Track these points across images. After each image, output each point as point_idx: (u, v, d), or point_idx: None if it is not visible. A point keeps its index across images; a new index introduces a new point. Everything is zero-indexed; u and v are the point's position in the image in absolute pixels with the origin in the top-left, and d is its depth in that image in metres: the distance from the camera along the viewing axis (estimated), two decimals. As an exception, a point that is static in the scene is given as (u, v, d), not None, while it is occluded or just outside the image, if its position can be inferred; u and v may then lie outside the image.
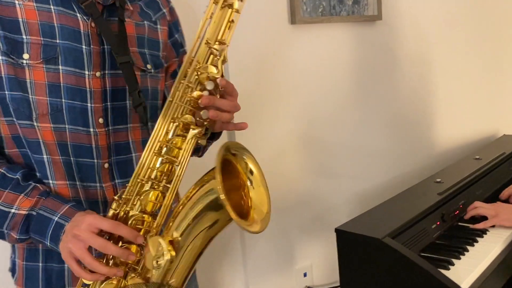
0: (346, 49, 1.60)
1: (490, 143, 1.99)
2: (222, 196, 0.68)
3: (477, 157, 1.70)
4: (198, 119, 0.76)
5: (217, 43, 0.77)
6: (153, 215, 0.77)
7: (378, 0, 1.59)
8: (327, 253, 1.59)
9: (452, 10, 1.91)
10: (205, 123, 0.76)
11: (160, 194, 0.77)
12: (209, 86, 0.75)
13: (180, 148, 0.77)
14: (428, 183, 1.46)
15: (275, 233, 1.50)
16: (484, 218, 1.32)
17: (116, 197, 0.76)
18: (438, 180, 1.45)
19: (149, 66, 0.89)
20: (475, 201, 1.38)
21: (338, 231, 1.15)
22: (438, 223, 1.29)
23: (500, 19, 2.16)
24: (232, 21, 0.78)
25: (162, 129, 0.77)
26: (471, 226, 1.31)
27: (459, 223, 1.36)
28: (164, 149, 0.77)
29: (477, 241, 1.23)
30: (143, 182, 0.76)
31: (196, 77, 0.76)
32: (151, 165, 0.76)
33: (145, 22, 0.91)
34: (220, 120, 0.78)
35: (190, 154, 0.77)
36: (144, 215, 0.76)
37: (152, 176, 0.76)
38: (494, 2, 2.10)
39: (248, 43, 1.38)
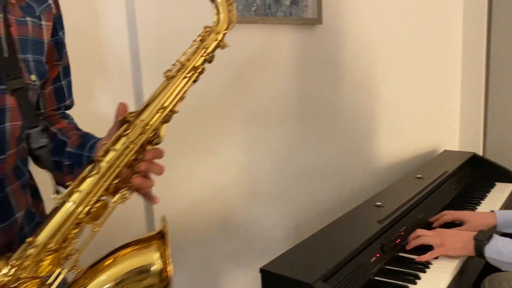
0: (282, 55, 1.43)
1: (432, 159, 1.90)
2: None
3: (419, 176, 1.59)
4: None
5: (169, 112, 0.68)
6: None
7: (318, 1, 1.43)
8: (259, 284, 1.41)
9: (398, 22, 1.80)
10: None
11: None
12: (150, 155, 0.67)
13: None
14: (368, 207, 1.32)
15: (198, 263, 1.29)
16: (426, 246, 1.20)
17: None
18: (378, 203, 1.31)
19: (33, 77, 0.69)
20: (417, 229, 1.25)
21: (263, 271, 0.97)
22: (378, 255, 1.15)
23: (445, 36, 2.10)
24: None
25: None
26: (416, 258, 1.16)
27: (400, 254, 1.23)
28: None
29: (423, 274, 1.09)
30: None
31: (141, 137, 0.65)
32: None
33: (28, 18, 0.69)
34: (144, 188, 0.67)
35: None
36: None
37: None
38: (438, 14, 2.03)
39: (173, 42, 1.17)
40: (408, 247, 1.22)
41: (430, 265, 1.14)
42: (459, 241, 1.15)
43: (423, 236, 1.21)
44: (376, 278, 1.10)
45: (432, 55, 2.04)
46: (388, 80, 1.78)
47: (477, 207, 1.56)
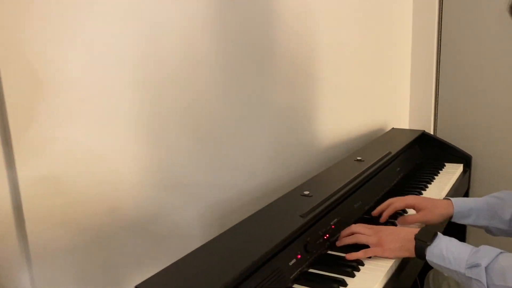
0: (207, 26, 1.18)
1: (376, 138, 1.72)
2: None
3: (359, 158, 1.39)
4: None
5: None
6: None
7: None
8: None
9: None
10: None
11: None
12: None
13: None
14: (293, 197, 1.11)
15: (93, 267, 1.06)
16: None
17: None
18: (306, 192, 1.11)
19: None
20: (352, 225, 1.05)
21: (137, 290, 0.74)
22: (299, 256, 0.94)
23: (394, 11, 1.90)
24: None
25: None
26: (346, 256, 0.98)
27: (329, 252, 1.03)
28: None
29: (350, 280, 0.90)
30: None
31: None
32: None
33: None
34: None
35: None
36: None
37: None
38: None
39: None
40: (339, 244, 1.03)
41: (361, 266, 0.95)
42: (398, 240, 0.96)
43: (357, 233, 1.02)
44: (295, 286, 0.90)
45: (380, 31, 1.84)
46: (330, 56, 1.57)
47: (423, 192, 1.39)
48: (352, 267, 0.94)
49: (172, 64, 1.06)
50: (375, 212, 1.17)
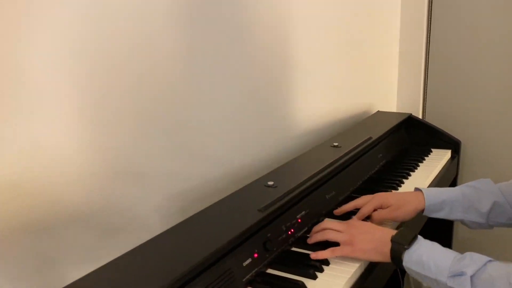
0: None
1: (359, 122, 1.60)
2: None
3: (335, 144, 1.28)
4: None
5: None
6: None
7: None
8: None
9: None
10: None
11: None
12: None
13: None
14: (256, 188, 1.00)
15: (36, 263, 0.95)
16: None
17: None
18: (270, 183, 0.99)
19: None
20: (324, 220, 0.94)
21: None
22: (256, 255, 0.83)
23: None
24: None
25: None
26: (311, 255, 0.86)
27: (293, 249, 0.92)
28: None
29: (312, 282, 0.79)
30: None
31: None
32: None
33: None
34: None
35: None
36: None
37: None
38: None
39: None
40: (310, 241, 0.91)
41: (325, 267, 0.84)
42: (372, 241, 0.84)
43: (328, 230, 0.90)
44: (247, 290, 0.79)
45: (367, 11, 1.71)
46: (310, 37, 1.43)
47: (405, 180, 1.28)
48: (315, 268, 0.83)
49: (126, 45, 0.94)
50: (337, 212, 1.05)
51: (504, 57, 1.70)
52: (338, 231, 0.89)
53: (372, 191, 1.12)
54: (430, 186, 1.31)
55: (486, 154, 1.78)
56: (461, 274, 0.73)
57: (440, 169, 1.42)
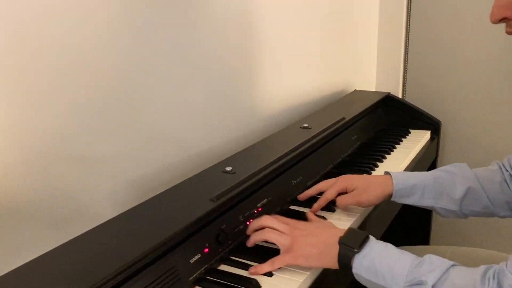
0: None
1: (334, 102, 1.51)
2: None
3: (305, 125, 1.19)
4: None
5: None
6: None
7: None
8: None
9: None
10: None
11: None
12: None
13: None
14: (212, 174, 0.91)
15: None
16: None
17: None
18: (228, 168, 0.90)
19: None
20: (263, 216, 0.81)
21: None
22: (207, 249, 0.75)
23: None
24: None
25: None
26: (250, 272, 0.73)
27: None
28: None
29: None
30: None
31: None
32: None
33: None
34: None
35: None
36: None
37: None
38: None
39: None
40: (249, 244, 0.79)
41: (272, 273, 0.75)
42: (317, 244, 0.73)
43: (267, 231, 0.77)
44: (196, 289, 0.71)
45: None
46: (282, 12, 1.33)
47: (379, 163, 1.20)
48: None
49: (70, 18, 0.82)
50: (301, 196, 0.96)
51: (484, 36, 1.62)
52: (279, 231, 0.77)
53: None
54: (407, 169, 1.23)
55: (468, 135, 1.70)
56: (420, 283, 0.63)
57: (418, 151, 1.34)
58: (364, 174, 0.99)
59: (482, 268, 0.62)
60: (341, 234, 0.72)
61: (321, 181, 1.04)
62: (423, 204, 0.93)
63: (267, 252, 0.77)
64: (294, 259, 0.72)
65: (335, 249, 0.71)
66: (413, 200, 0.93)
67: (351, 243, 0.70)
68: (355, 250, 0.69)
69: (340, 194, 0.94)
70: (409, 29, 1.78)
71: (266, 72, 1.30)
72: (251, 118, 1.29)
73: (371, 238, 0.71)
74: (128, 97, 0.98)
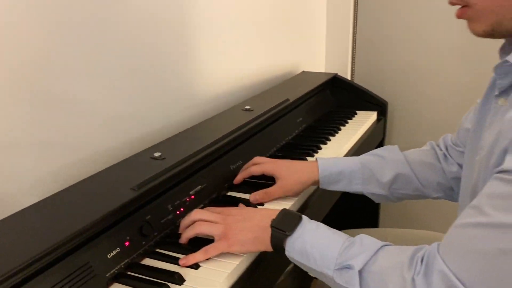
0: None
1: (280, 84, 1.46)
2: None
3: (247, 107, 1.13)
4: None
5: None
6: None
7: None
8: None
9: None
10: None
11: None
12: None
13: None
14: (141, 160, 0.84)
15: None
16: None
17: None
18: (157, 154, 0.84)
19: None
20: (193, 210, 0.76)
21: None
22: (128, 243, 0.68)
23: None
24: None
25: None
26: (180, 261, 0.68)
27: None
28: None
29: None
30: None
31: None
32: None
33: None
34: None
35: None
36: None
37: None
38: None
39: None
40: (182, 241, 0.73)
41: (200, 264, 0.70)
42: (251, 229, 0.69)
43: (200, 222, 0.73)
44: (115, 285, 0.64)
45: None
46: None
47: (323, 145, 1.16)
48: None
49: None
50: (236, 180, 0.92)
51: (430, 18, 1.61)
52: (212, 222, 0.72)
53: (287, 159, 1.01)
54: (351, 150, 1.20)
55: (414, 115, 1.70)
56: (348, 267, 0.60)
57: (363, 132, 1.32)
58: (292, 161, 0.94)
59: (411, 249, 0.58)
60: (274, 216, 0.68)
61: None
62: (351, 189, 0.91)
63: (198, 243, 0.72)
64: (229, 246, 0.68)
65: (267, 233, 0.67)
66: (341, 186, 0.90)
67: (283, 226, 0.66)
68: (287, 233, 0.65)
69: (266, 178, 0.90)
70: (357, 10, 1.75)
71: (206, 56, 1.22)
72: (189, 102, 1.21)
73: (304, 219, 0.68)
74: (50, 82, 0.89)
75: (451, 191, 0.90)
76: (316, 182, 0.89)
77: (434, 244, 0.57)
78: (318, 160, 0.91)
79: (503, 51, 0.67)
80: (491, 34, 0.62)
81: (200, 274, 0.66)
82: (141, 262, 0.70)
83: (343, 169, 0.89)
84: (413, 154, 0.92)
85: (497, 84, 0.64)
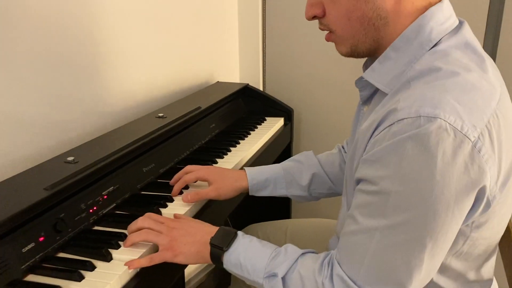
0: None
1: (194, 93, 1.56)
2: None
3: (161, 114, 1.22)
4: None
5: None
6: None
7: None
8: None
9: None
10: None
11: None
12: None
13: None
14: (55, 164, 0.89)
15: None
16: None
17: None
18: (70, 159, 0.90)
19: None
20: (139, 218, 0.81)
21: None
22: (42, 238, 0.74)
23: None
24: None
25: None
26: (128, 266, 0.72)
27: (96, 228, 0.85)
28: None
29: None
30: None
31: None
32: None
33: None
34: None
35: None
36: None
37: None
38: None
39: None
40: (126, 245, 0.78)
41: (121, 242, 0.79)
42: (194, 243, 0.76)
43: (147, 230, 0.78)
44: (27, 280, 0.70)
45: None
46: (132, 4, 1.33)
47: (232, 148, 1.28)
48: (110, 246, 0.76)
49: None
50: (172, 181, 1.00)
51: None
52: (157, 231, 0.78)
53: (198, 162, 1.11)
54: (259, 151, 1.32)
55: (318, 121, 1.88)
56: (273, 275, 0.69)
57: (270, 135, 1.45)
58: (224, 168, 1.04)
59: (322, 255, 0.70)
60: (213, 233, 0.77)
61: (177, 167, 1.07)
62: (277, 194, 1.02)
63: (107, 238, 0.79)
64: (174, 256, 0.75)
65: (208, 249, 0.75)
66: (268, 192, 1.01)
67: (220, 243, 0.75)
68: (224, 249, 0.74)
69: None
70: (265, 28, 1.90)
71: (115, 66, 1.27)
72: (104, 110, 1.25)
73: (239, 234, 0.76)
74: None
75: None
76: (246, 189, 0.99)
77: (334, 251, 0.69)
78: (245, 169, 1.00)
79: (365, 67, 0.82)
80: (352, 54, 0.75)
81: (110, 264, 0.74)
82: (55, 255, 0.76)
83: (269, 177, 1.00)
84: (324, 157, 1.05)
85: (360, 95, 0.79)
